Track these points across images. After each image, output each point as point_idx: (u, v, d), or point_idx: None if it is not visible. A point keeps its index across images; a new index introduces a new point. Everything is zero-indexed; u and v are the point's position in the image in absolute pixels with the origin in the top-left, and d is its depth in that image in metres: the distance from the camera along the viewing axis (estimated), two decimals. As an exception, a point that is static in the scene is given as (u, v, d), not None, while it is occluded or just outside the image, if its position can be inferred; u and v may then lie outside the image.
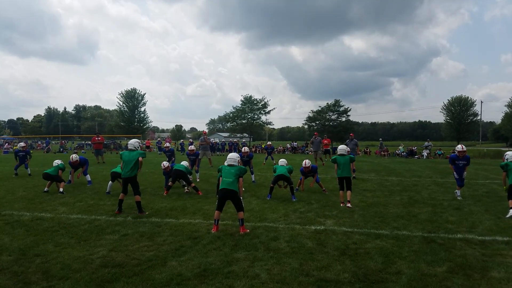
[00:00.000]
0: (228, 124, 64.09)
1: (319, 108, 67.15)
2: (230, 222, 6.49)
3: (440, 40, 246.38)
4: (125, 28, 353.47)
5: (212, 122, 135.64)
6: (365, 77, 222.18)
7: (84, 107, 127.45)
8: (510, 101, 58.30)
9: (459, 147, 9.14)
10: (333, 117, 66.69)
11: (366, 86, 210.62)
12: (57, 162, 10.38)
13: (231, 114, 60.62)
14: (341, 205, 7.95)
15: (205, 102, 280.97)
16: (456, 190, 9.25)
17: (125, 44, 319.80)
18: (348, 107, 66.68)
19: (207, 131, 23.90)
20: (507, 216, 6.99)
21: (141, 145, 7.89)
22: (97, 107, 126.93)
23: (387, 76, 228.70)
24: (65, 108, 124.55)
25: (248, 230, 5.85)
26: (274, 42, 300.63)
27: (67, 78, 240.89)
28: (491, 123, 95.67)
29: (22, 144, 15.06)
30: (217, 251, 4.92)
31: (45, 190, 9.66)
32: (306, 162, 9.80)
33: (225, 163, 6.31)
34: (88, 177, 11.46)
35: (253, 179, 11.93)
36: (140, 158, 7.13)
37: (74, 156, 11.30)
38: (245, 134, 62.98)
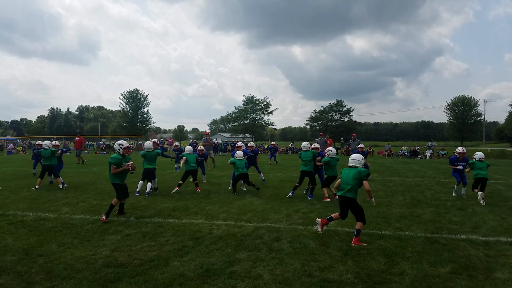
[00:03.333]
0: (230, 125, 64.23)
1: (321, 108, 67.35)
2: (232, 222, 6.49)
3: (443, 39, 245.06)
4: (125, 28, 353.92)
5: (214, 122, 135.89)
6: (367, 76, 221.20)
7: (87, 107, 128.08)
8: (513, 100, 58.16)
9: (459, 148, 9.62)
10: (335, 117, 66.80)
11: (369, 86, 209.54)
12: (47, 144, 10.65)
13: (233, 115, 60.73)
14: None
15: (207, 102, 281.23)
16: (455, 189, 9.68)
17: (126, 44, 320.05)
18: (350, 107, 66.85)
19: (209, 131, 24.10)
20: (480, 201, 8.32)
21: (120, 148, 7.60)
22: (100, 108, 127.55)
23: (390, 76, 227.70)
24: (68, 109, 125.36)
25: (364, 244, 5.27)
26: (275, 42, 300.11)
27: (68, 79, 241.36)
28: (495, 123, 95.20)
29: (39, 142, 14.97)
30: (220, 251, 4.92)
31: (35, 187, 10.22)
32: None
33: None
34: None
35: (263, 178, 11.98)
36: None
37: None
38: (247, 135, 63.01)
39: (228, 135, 75.64)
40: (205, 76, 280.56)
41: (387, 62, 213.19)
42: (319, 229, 5.68)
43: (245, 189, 10.29)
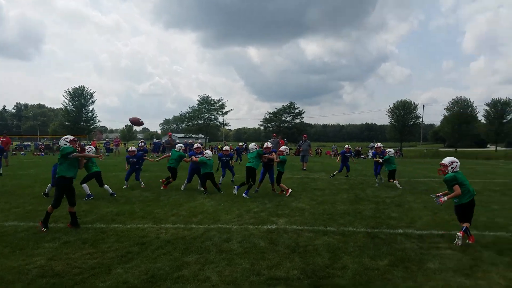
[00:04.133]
0: (183, 125, 63.00)
1: (275, 110, 68.70)
2: (181, 225, 6.36)
3: (389, 46, 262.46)
4: (73, 22, 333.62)
5: (166, 122, 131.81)
6: (319, 80, 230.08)
7: (26, 105, 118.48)
8: (449, 105, 63.29)
9: (378, 144, 12.77)
10: (288, 118, 68.48)
11: (320, 89, 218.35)
12: None
13: (187, 114, 59.63)
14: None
15: (159, 101, 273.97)
16: (378, 181, 11.92)
17: (74, 39, 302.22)
18: (302, 110, 68.94)
19: (160, 131, 23.56)
20: (398, 186, 10.93)
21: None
22: (41, 106, 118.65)
23: (339, 80, 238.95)
24: (4, 107, 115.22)
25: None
26: (231, 42, 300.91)
27: (8, 74, 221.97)
28: (431, 125, 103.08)
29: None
30: (167, 256, 4.78)
31: None
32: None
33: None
34: None
35: (232, 179, 12.13)
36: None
37: None
38: (201, 135, 62.14)
39: (181, 135, 73.75)
40: (158, 74, 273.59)
41: (337, 66, 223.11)
42: (460, 243, 5.25)
43: (202, 188, 10.12)
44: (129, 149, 11.38)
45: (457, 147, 58.87)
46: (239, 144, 22.79)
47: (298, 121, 68.58)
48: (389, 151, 11.68)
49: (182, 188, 10.32)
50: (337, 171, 14.04)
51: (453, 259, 4.67)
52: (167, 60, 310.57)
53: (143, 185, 10.80)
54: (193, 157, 10.24)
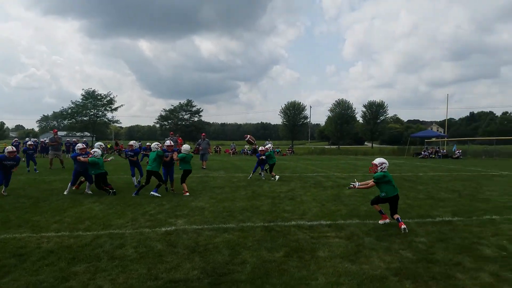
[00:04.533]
0: (66, 122, 56.61)
1: (172, 107, 66.95)
2: (67, 233, 5.70)
3: (279, 50, 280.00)
4: None
5: (44, 118, 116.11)
6: (215, 79, 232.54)
7: None
8: (332, 106, 70.67)
9: (263, 146, 13.49)
10: (185, 116, 67.43)
11: (216, 88, 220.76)
12: None
13: (70, 110, 53.70)
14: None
15: (36, 95, 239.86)
16: (262, 174, 13.31)
17: None
18: (200, 108, 68.74)
19: (38, 129, 20.84)
20: (276, 178, 12.50)
21: None
22: None
23: (235, 80, 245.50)
24: None
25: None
26: (120, 34, 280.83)
27: None
28: (318, 125, 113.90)
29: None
30: (51, 267, 4.24)
31: None
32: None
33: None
34: None
35: (138, 182, 11.16)
36: None
37: None
38: (86, 133, 56.48)
39: (63, 133, 65.90)
40: (34, 65, 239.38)
41: (233, 66, 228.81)
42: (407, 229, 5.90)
43: (90, 192, 9.42)
44: (6, 149, 9.37)
45: (340, 145, 66.31)
46: (147, 144, 21.61)
47: (196, 119, 68.18)
48: (269, 147, 13.45)
49: (65, 193, 9.27)
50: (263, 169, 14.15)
51: (340, 246, 5.16)
52: (45, 50, 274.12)
53: (5, 192, 9.12)
54: (80, 157, 9.27)
